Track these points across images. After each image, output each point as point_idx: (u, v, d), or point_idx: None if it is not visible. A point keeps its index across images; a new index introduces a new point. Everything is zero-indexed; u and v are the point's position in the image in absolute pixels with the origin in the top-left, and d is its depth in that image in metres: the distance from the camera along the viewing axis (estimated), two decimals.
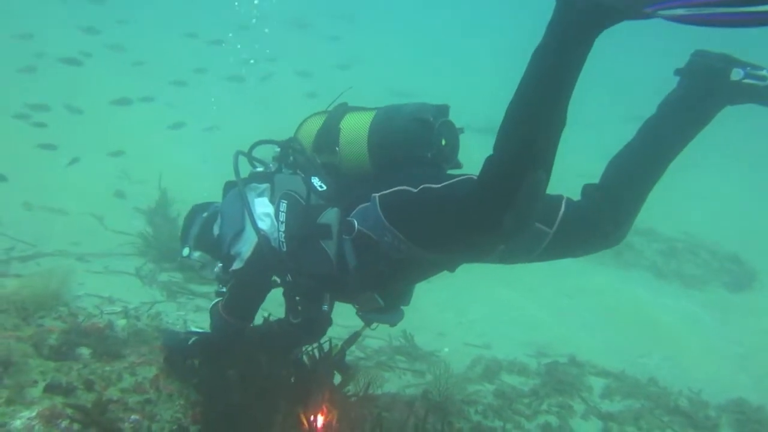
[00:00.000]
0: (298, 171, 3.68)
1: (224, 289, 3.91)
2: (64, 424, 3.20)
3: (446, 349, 6.26)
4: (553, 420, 4.63)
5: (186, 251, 4.02)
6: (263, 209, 3.57)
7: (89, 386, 3.52)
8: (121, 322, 4.80)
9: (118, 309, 5.11)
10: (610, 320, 8.09)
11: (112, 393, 3.53)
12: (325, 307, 3.62)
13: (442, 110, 3.48)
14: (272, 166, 3.79)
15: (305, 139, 3.66)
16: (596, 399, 5.23)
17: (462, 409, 4.41)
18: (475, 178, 2.99)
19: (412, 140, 3.36)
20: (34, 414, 3.17)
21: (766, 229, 12.12)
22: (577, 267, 8.48)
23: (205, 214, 4.06)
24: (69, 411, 3.22)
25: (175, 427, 3.46)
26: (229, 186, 3.89)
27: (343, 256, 3.37)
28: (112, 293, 5.69)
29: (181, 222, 8.09)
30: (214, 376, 3.80)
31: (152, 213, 8.70)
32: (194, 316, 5.81)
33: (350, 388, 3.91)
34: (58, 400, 3.36)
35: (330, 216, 3.40)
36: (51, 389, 3.40)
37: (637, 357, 6.93)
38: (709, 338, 8.35)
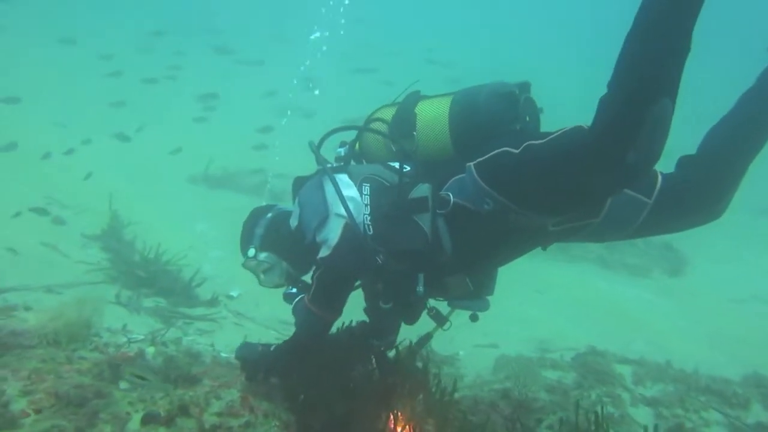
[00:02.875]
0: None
1: (293, 290, 3.84)
2: None
3: (461, 352, 6.18)
4: (611, 410, 4.64)
5: (252, 251, 3.79)
6: (348, 192, 3.38)
7: (185, 412, 3.21)
8: (150, 350, 4.44)
9: (141, 337, 4.70)
10: (586, 312, 8.33)
11: (209, 419, 3.24)
12: (420, 289, 3.43)
13: (524, 87, 3.39)
14: (341, 153, 3.67)
15: (379, 128, 3.55)
16: (632, 386, 5.30)
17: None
18: (583, 125, 2.86)
19: (499, 116, 3.25)
20: None
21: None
22: (533, 263, 8.69)
23: (269, 215, 3.89)
24: None
25: None
26: (298, 182, 3.74)
27: (436, 232, 3.24)
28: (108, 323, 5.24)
29: (138, 245, 7.73)
30: (311, 391, 3.60)
31: (105, 237, 8.13)
32: (204, 340, 5.45)
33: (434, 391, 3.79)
34: (162, 430, 3.05)
35: (423, 189, 3.28)
36: (149, 420, 3.09)
37: (626, 344, 7.11)
38: (672, 321, 8.76)
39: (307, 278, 3.77)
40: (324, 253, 3.30)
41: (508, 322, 7.26)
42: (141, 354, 4.22)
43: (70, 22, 21.89)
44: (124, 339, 4.51)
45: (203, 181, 12.75)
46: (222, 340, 5.45)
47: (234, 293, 6.86)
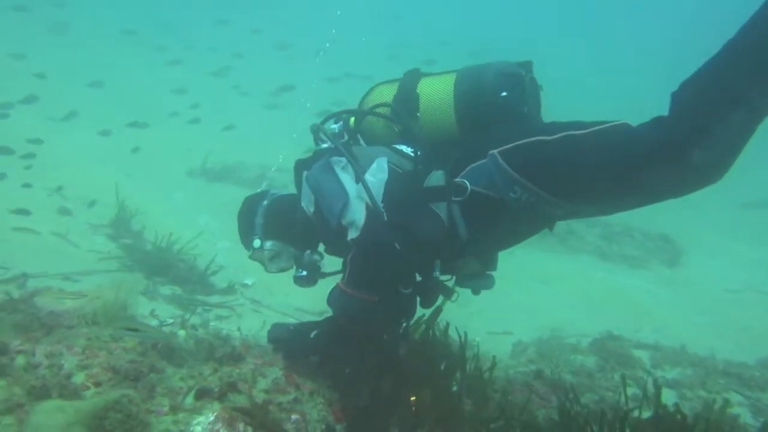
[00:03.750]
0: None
1: (303, 273, 3.79)
2: (242, 427, 2.95)
3: (478, 339, 6.24)
4: (634, 390, 4.72)
5: (257, 242, 3.80)
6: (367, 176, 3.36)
7: (235, 389, 3.24)
8: (181, 333, 4.45)
9: (171, 320, 4.72)
10: (591, 301, 8.46)
11: (258, 395, 3.27)
12: (438, 274, 3.46)
13: (527, 66, 3.42)
14: (335, 129, 3.62)
15: (382, 110, 3.54)
16: (651, 369, 5.40)
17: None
18: (629, 123, 2.92)
19: (506, 97, 3.28)
20: (212, 418, 2.89)
21: (685, 209, 13.04)
22: (532, 255, 8.83)
23: (265, 203, 3.87)
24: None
25: (323, 427, 3.28)
26: (300, 164, 3.72)
27: (452, 219, 3.25)
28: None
29: (148, 235, 7.72)
30: (353, 370, 3.64)
31: (114, 227, 8.11)
32: (225, 326, 5.47)
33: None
34: (216, 405, 3.08)
35: (438, 178, 3.28)
36: (203, 395, 3.12)
37: (634, 331, 7.21)
38: (674, 310, 8.92)
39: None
40: (353, 234, 3.27)
41: (515, 311, 7.37)
42: (173, 336, 4.24)
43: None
44: (156, 322, 4.51)
45: (201, 174, 12.73)
46: (243, 325, 5.46)
47: (249, 281, 6.87)
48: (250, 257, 3.96)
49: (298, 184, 3.77)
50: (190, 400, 3.10)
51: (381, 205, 3.27)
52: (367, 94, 3.69)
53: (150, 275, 6.58)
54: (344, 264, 3.53)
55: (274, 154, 13.40)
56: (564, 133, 3.02)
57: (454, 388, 3.73)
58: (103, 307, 4.01)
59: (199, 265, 6.87)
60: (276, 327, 3.92)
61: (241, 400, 3.17)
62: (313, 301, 6.41)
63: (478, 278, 3.68)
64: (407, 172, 3.37)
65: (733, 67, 2.67)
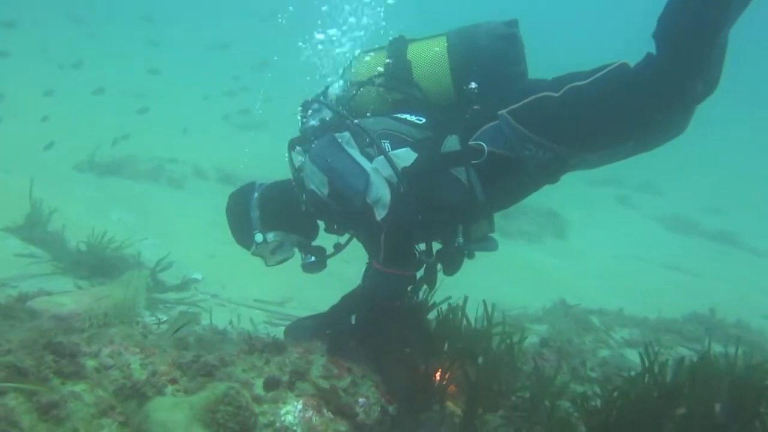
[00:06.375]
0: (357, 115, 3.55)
1: (312, 259, 3.82)
2: (326, 412, 3.00)
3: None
4: (607, 352, 5.12)
5: (259, 237, 3.75)
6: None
7: (300, 377, 3.25)
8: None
9: (165, 318, 4.59)
10: (511, 274, 8.87)
11: (319, 382, 3.30)
12: (461, 240, 3.55)
13: (514, 24, 3.47)
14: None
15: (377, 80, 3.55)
16: (607, 332, 5.85)
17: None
18: (627, 63, 3.07)
19: (504, 59, 3.39)
20: (300, 406, 2.93)
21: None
22: None
23: (256, 195, 3.82)
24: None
25: (379, 409, 3.37)
26: (294, 143, 3.72)
27: (470, 183, 3.31)
28: None
29: (70, 235, 7.26)
30: (394, 350, 3.71)
31: (26, 230, 7.55)
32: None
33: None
34: (289, 393, 3.10)
35: (454, 143, 3.35)
36: (273, 384, 3.12)
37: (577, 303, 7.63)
38: (579, 276, 9.63)
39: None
40: (382, 213, 3.24)
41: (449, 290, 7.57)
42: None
43: None
44: (153, 319, 4.38)
45: (90, 169, 12.02)
46: (215, 320, 5.35)
47: (198, 276, 6.70)
48: (253, 253, 3.87)
49: (294, 165, 3.72)
50: (259, 390, 3.09)
51: (394, 174, 3.28)
52: (351, 65, 3.65)
53: (91, 276, 6.25)
54: (367, 243, 3.57)
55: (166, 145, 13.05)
56: (569, 86, 3.14)
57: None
58: (114, 306, 3.86)
59: (144, 263, 6.59)
60: (294, 325, 3.95)
61: (306, 388, 3.18)
62: (269, 291, 6.37)
63: (485, 241, 3.77)
64: (416, 139, 3.40)
65: None
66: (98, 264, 6.34)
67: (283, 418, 2.88)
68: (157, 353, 3.14)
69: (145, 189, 10.90)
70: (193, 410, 2.54)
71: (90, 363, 2.84)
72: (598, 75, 3.13)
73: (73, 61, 17.25)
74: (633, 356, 5.25)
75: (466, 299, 4.03)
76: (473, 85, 3.38)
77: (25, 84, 15.09)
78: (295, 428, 2.85)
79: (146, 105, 14.84)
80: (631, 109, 3.08)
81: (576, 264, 10.53)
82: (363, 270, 3.75)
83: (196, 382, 2.99)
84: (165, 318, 4.59)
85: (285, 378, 3.18)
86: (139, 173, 11.72)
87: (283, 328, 4.19)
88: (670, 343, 5.57)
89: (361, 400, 3.27)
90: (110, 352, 2.97)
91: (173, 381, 2.94)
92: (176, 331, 3.36)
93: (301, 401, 2.97)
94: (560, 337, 4.95)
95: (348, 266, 4.04)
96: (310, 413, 2.93)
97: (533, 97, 3.18)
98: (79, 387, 2.67)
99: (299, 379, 3.23)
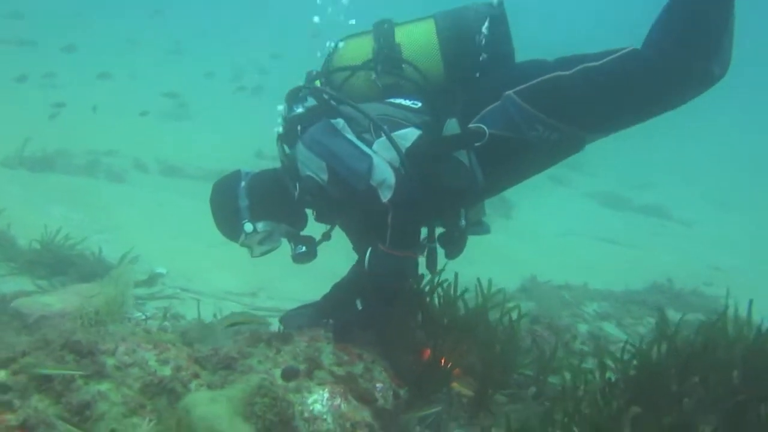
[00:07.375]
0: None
1: (303, 249, 3.76)
2: (351, 398, 3.00)
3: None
4: (584, 327, 5.24)
5: (249, 226, 3.66)
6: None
7: (317, 366, 3.22)
8: (167, 325, 4.26)
9: (151, 313, 4.45)
10: (488, 259, 8.93)
11: (334, 369, 3.27)
12: (464, 223, 3.58)
13: (501, 5, 3.45)
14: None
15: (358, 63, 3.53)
16: (579, 306, 5.99)
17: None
18: (636, 48, 3.11)
19: (495, 39, 3.39)
20: (327, 395, 2.90)
21: None
22: None
23: (243, 184, 3.74)
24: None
25: (391, 393, 3.37)
26: (282, 134, 3.66)
27: (472, 165, 3.32)
28: None
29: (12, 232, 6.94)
30: (400, 334, 3.70)
31: None
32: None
33: None
34: (310, 383, 3.07)
35: (454, 126, 3.35)
36: (292, 374, 3.09)
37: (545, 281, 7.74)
38: (540, 256, 9.79)
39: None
40: (388, 194, 3.20)
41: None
42: (164, 329, 4.04)
43: None
44: (141, 316, 4.24)
45: (19, 165, 11.47)
46: (193, 313, 5.22)
47: (162, 270, 6.50)
48: (241, 244, 3.78)
49: (284, 154, 3.68)
50: (279, 380, 3.04)
51: (405, 159, 3.26)
52: (337, 51, 3.60)
53: (51, 276, 5.99)
54: (365, 230, 3.57)
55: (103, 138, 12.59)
56: (581, 66, 3.16)
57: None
58: (105, 304, 3.72)
59: (106, 259, 6.34)
60: (288, 316, 3.88)
61: (324, 376, 3.15)
62: (237, 283, 6.25)
63: (479, 225, 3.81)
64: (415, 123, 3.37)
65: None
66: (56, 263, 6.07)
67: (311, 407, 2.84)
68: (171, 349, 3.04)
69: (84, 184, 10.46)
70: (232, 403, 2.47)
71: (110, 361, 2.74)
72: (611, 57, 3.14)
73: None
74: (610, 329, 5.41)
75: (456, 276, 3.95)
76: (484, 55, 3.38)
77: None
78: (325, 416, 2.83)
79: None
80: (650, 92, 3.13)
81: (529, 243, 10.74)
82: (353, 260, 3.84)
83: (218, 375, 2.92)
84: (147, 315, 4.43)
85: (303, 367, 3.13)
86: (74, 167, 11.24)
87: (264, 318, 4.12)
88: (638, 314, 5.75)
89: (378, 385, 3.26)
90: (125, 349, 2.86)
91: (195, 375, 2.87)
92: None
93: (326, 389, 2.93)
94: (548, 313, 5.05)
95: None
96: (338, 401, 2.91)
97: (544, 77, 3.19)
98: (103, 386, 2.58)
99: (317, 367, 3.18)
